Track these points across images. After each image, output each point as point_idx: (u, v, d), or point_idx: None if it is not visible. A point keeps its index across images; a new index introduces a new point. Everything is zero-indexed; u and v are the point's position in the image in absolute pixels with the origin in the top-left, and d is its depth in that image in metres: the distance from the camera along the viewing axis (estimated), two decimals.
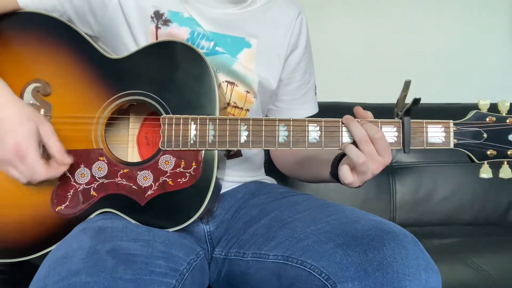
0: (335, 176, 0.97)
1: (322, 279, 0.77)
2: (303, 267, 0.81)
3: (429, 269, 0.76)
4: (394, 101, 0.90)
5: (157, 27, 1.02)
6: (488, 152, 0.89)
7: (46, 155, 0.90)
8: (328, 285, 0.76)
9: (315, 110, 1.22)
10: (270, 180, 1.21)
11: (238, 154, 1.09)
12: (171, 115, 0.91)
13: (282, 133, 0.90)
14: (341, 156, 0.96)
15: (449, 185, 1.61)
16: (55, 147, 0.89)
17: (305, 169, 1.13)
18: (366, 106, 0.92)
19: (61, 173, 0.90)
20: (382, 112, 0.91)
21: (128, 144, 1.01)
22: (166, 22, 1.02)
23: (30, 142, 0.86)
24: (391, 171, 1.62)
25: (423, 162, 1.63)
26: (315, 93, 1.23)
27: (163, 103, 0.92)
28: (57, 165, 0.89)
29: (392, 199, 1.59)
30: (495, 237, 1.50)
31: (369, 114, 0.89)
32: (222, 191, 1.04)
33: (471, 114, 0.90)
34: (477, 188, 1.61)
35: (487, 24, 1.94)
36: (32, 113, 0.89)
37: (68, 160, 0.90)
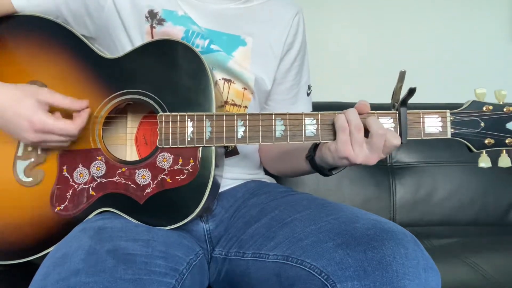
0: (310, 158, 0.97)
1: (322, 279, 0.77)
2: (302, 267, 0.81)
3: (429, 268, 0.76)
4: None
5: (152, 27, 1.02)
6: (486, 141, 0.89)
7: (64, 114, 0.91)
8: (328, 284, 0.76)
9: (307, 110, 1.22)
10: (269, 179, 1.21)
11: (234, 152, 1.09)
12: (168, 113, 0.91)
13: (279, 128, 0.90)
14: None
15: (449, 185, 1.61)
16: (64, 102, 0.91)
17: (286, 160, 1.13)
18: None
19: (86, 118, 0.92)
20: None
21: (126, 143, 1.01)
22: (161, 22, 1.02)
23: (39, 113, 0.88)
24: (391, 171, 1.62)
25: (423, 162, 1.63)
26: (308, 94, 1.23)
27: (160, 101, 0.92)
28: (78, 114, 0.91)
29: (392, 199, 1.59)
30: (495, 237, 1.50)
31: (367, 106, 0.89)
32: (222, 189, 1.04)
33: (467, 103, 0.90)
34: (477, 188, 1.61)
35: (487, 24, 1.94)
36: (24, 88, 0.90)
37: (84, 103, 0.92)
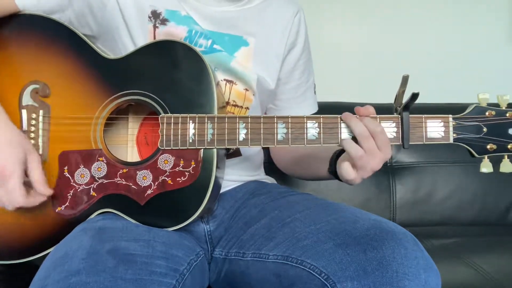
0: (333, 173, 0.96)
1: (322, 279, 0.78)
2: (302, 267, 0.81)
3: (429, 268, 0.76)
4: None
5: (155, 27, 1.02)
6: (488, 146, 0.89)
7: (27, 183, 0.90)
8: (328, 284, 0.77)
9: (314, 109, 1.22)
10: (270, 179, 1.21)
11: (237, 153, 1.10)
12: (170, 114, 0.91)
13: (281, 131, 0.90)
14: (339, 153, 0.95)
15: (449, 185, 1.61)
16: (38, 178, 0.90)
17: (304, 167, 1.13)
18: None
19: (39, 202, 0.91)
20: (382, 111, 0.90)
21: (127, 144, 1.01)
22: (164, 22, 1.02)
23: (16, 167, 0.87)
24: (391, 171, 1.62)
25: (423, 162, 1.63)
26: (315, 92, 1.23)
27: (162, 102, 0.92)
28: (36, 194, 0.90)
29: (392, 199, 1.59)
30: (495, 237, 1.50)
31: (370, 110, 0.89)
32: (222, 190, 1.04)
33: (470, 108, 0.90)
34: (477, 188, 1.61)
35: (487, 24, 1.94)
36: (24, 141, 0.90)
37: (48, 192, 0.91)
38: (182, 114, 0.91)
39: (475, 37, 1.95)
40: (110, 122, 0.98)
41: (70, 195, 0.93)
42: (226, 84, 1.05)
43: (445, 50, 1.94)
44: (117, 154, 0.96)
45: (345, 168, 0.87)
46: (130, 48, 1.01)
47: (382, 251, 0.76)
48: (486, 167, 0.89)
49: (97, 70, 0.96)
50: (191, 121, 0.90)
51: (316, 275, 0.78)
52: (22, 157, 0.88)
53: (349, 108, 0.92)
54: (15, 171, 0.87)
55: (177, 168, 0.91)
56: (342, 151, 0.93)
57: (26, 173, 0.90)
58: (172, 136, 0.91)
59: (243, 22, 1.08)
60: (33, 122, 0.96)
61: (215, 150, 0.91)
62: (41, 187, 0.90)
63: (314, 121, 0.90)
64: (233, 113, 1.07)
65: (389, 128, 0.88)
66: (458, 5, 1.93)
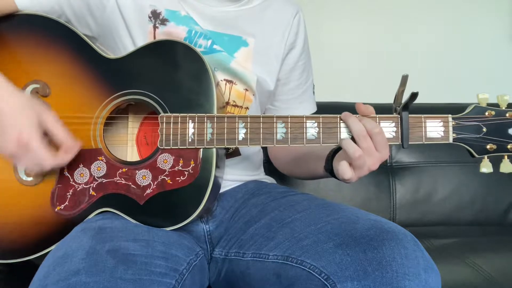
0: (329, 170, 0.96)
1: (322, 279, 0.77)
2: (302, 267, 0.81)
3: (429, 268, 0.76)
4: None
5: (154, 27, 1.02)
6: (488, 146, 0.89)
7: (54, 144, 0.88)
8: (328, 285, 0.76)
9: (313, 109, 1.22)
10: (269, 179, 1.21)
11: (236, 153, 1.10)
12: (169, 114, 0.91)
13: (280, 130, 0.90)
14: (336, 151, 0.95)
15: (449, 185, 1.61)
16: (60, 133, 0.88)
17: (302, 165, 1.13)
18: None
19: (70, 158, 0.89)
20: (382, 111, 0.90)
21: (127, 144, 1.01)
22: (164, 21, 1.02)
23: (32, 131, 0.85)
24: (391, 171, 1.62)
25: (423, 162, 1.63)
26: (313, 92, 1.23)
27: (161, 102, 0.92)
28: (65, 152, 0.88)
29: (392, 199, 1.59)
30: (495, 237, 1.50)
31: (370, 110, 0.89)
32: (222, 190, 1.04)
33: (470, 108, 0.90)
34: (477, 188, 1.61)
35: (487, 24, 1.95)
36: (34, 103, 0.88)
37: (77, 144, 0.89)
38: (181, 114, 0.91)
39: (476, 37, 1.95)
40: (110, 121, 0.98)
41: (69, 194, 0.93)
42: (226, 84, 1.05)
43: (445, 49, 1.94)
44: (117, 154, 0.96)
45: (342, 167, 0.87)
46: (130, 48, 1.01)
47: (382, 251, 0.76)
48: (486, 167, 0.89)
49: (97, 69, 0.96)
50: (190, 120, 0.90)
51: (316, 275, 0.78)
52: (35, 120, 0.85)
53: (349, 108, 0.92)
54: (31, 134, 0.84)
55: (177, 167, 0.91)
56: (339, 148, 0.93)
57: (47, 135, 0.87)
58: (171, 135, 0.91)
59: (243, 22, 1.08)
60: None
61: (214, 149, 0.91)
62: (67, 141, 0.88)
63: (314, 121, 0.90)
64: (233, 113, 1.07)
65: (389, 127, 0.88)
66: (458, 5, 1.93)
